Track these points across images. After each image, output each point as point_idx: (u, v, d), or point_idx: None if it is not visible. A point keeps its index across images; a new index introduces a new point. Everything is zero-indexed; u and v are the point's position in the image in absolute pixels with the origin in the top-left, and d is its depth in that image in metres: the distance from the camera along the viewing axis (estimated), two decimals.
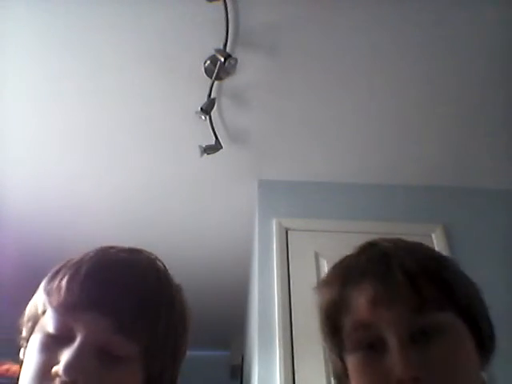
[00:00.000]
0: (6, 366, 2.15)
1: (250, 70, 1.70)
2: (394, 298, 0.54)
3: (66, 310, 0.52)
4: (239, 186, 2.24)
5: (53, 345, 0.52)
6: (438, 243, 2.00)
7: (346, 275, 0.61)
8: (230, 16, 1.50)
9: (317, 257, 1.91)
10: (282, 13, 1.52)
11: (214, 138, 1.88)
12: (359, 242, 0.65)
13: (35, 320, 0.56)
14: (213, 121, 1.84)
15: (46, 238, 2.50)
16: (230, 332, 3.23)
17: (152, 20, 1.54)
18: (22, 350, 0.57)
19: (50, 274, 0.57)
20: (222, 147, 1.91)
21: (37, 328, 0.55)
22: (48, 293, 0.54)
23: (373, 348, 0.55)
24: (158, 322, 0.55)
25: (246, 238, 2.46)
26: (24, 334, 0.57)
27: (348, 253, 0.66)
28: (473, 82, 1.76)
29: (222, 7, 1.48)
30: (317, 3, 1.50)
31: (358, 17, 1.54)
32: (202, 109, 1.74)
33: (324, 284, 0.64)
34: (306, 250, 1.94)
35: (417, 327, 0.54)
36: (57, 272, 0.57)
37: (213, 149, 1.91)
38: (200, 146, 1.90)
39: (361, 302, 0.57)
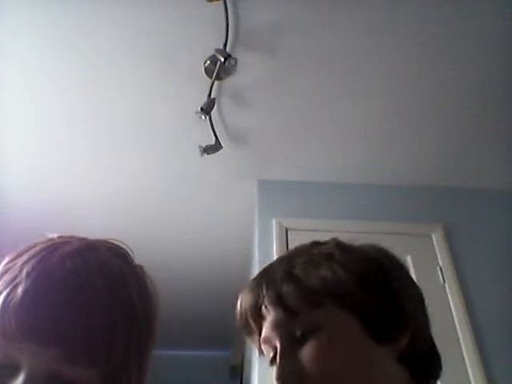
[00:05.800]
0: None
1: (250, 69, 1.70)
2: (266, 311, 0.59)
3: (4, 338, 0.45)
4: (239, 186, 2.24)
5: None
6: (438, 243, 2.01)
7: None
8: (230, 16, 1.50)
9: None
10: (282, 13, 1.52)
11: (214, 138, 1.88)
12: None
13: None
14: (213, 121, 1.84)
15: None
16: (230, 332, 3.22)
17: (152, 20, 1.54)
18: None
19: None
20: (222, 147, 1.91)
21: None
22: None
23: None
24: (115, 339, 0.48)
25: (246, 238, 2.46)
26: None
27: None
28: (473, 82, 1.76)
29: (222, 7, 1.48)
30: (317, 3, 1.50)
31: (358, 17, 1.54)
32: (202, 109, 1.74)
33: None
34: None
35: (298, 330, 0.56)
36: None
37: (213, 149, 1.91)
38: (200, 146, 1.90)
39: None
